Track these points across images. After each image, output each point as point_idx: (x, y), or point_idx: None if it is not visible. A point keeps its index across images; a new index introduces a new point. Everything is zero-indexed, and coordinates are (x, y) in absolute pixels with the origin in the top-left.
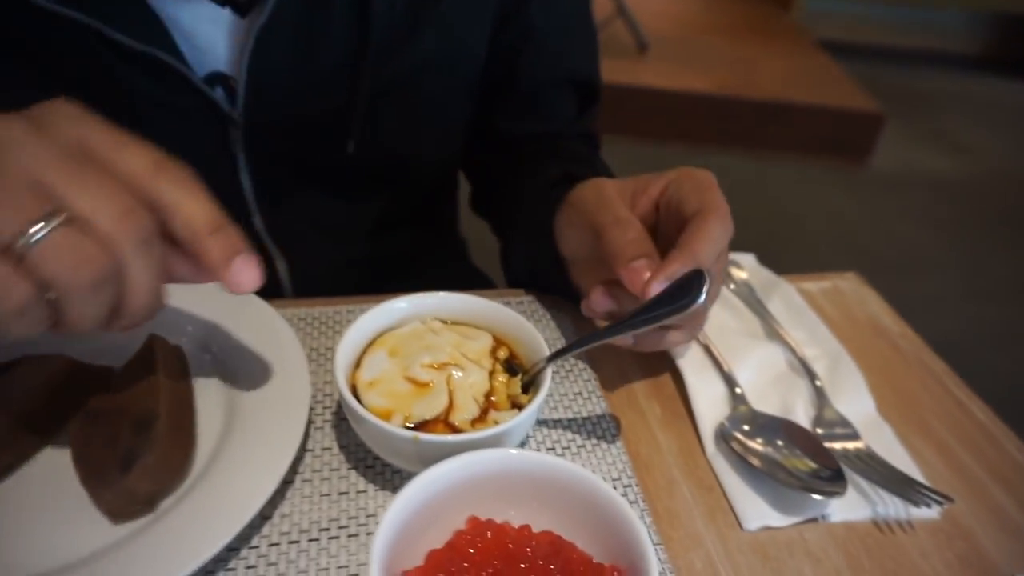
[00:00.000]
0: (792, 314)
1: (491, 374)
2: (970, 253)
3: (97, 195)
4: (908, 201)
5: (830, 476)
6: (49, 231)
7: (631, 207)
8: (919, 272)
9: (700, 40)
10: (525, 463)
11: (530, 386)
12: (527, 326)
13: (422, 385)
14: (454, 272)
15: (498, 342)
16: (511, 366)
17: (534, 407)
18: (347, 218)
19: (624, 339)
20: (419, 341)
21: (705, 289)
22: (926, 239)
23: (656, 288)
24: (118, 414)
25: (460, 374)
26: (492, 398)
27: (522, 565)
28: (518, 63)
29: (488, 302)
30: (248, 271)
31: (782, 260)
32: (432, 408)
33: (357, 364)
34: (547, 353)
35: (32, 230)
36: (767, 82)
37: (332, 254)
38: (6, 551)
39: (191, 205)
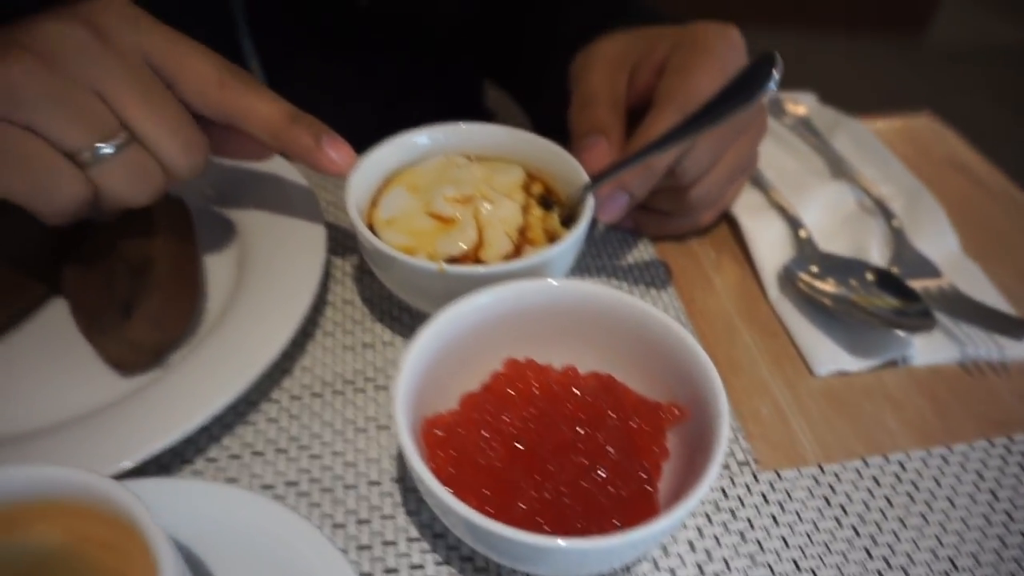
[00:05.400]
0: (862, 151)
1: (524, 209)
2: None
3: (160, 123)
4: (973, 75)
5: (915, 312)
6: (115, 150)
7: (632, 79)
8: (989, 154)
9: None
10: (565, 294)
11: (570, 221)
12: (563, 154)
13: (447, 220)
14: None
15: (531, 177)
16: (547, 201)
17: (576, 236)
18: (361, 83)
19: (625, 220)
20: (442, 176)
21: (776, 74)
22: (996, 116)
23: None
24: (112, 258)
25: (489, 207)
26: (527, 234)
27: (569, 405)
28: None
29: (518, 131)
30: (339, 149)
31: None
32: (459, 244)
33: (373, 203)
34: (587, 180)
35: (99, 145)
36: None
37: (346, 124)
38: (14, 405)
39: (261, 106)
